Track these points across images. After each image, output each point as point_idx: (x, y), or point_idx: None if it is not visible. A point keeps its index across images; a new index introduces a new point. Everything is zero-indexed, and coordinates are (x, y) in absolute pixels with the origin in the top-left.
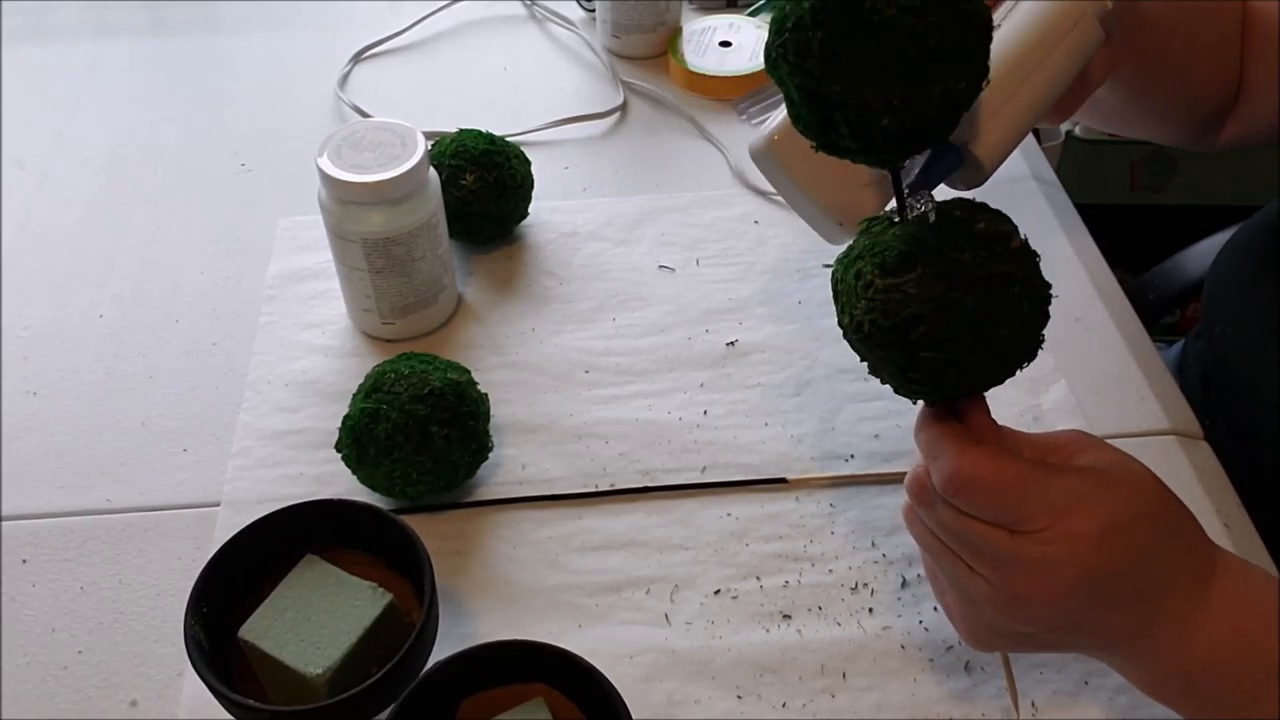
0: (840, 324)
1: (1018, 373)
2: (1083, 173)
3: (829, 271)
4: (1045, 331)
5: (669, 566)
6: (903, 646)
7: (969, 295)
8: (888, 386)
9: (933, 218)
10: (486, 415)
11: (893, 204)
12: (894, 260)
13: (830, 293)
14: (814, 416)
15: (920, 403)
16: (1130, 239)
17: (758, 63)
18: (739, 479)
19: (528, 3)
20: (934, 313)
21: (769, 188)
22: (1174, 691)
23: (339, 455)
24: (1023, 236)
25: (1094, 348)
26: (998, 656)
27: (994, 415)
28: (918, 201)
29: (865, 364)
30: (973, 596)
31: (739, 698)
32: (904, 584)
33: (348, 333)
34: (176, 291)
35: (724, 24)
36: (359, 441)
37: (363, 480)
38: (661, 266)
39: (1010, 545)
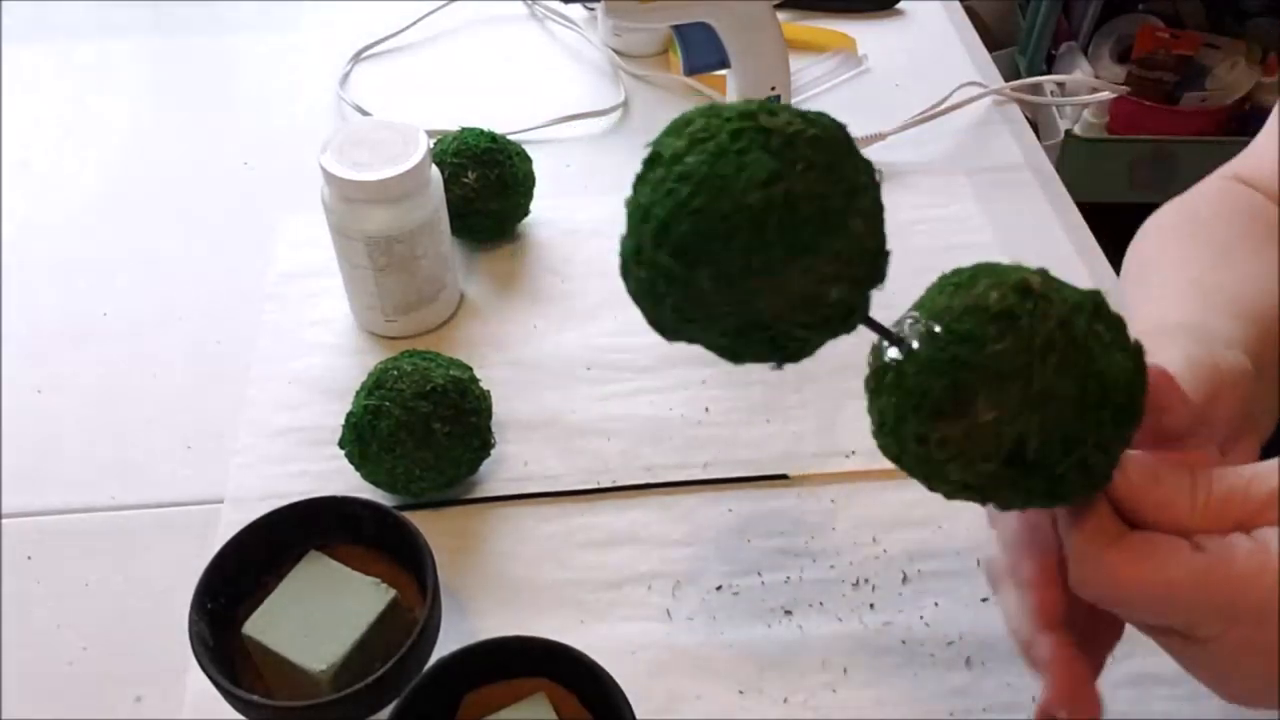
0: (938, 490)
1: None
2: (1083, 171)
3: None
4: None
5: (671, 562)
6: (904, 642)
7: (1044, 371)
8: None
9: (923, 327)
10: (489, 412)
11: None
12: (943, 396)
13: None
14: (815, 413)
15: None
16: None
17: None
18: (740, 475)
19: (529, 1)
20: (1031, 418)
21: None
22: None
23: (342, 452)
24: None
25: None
26: (997, 651)
27: None
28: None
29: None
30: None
31: (740, 693)
32: (905, 579)
33: (350, 330)
34: (180, 289)
35: None
36: (362, 438)
37: (365, 477)
38: None
39: (1184, 650)
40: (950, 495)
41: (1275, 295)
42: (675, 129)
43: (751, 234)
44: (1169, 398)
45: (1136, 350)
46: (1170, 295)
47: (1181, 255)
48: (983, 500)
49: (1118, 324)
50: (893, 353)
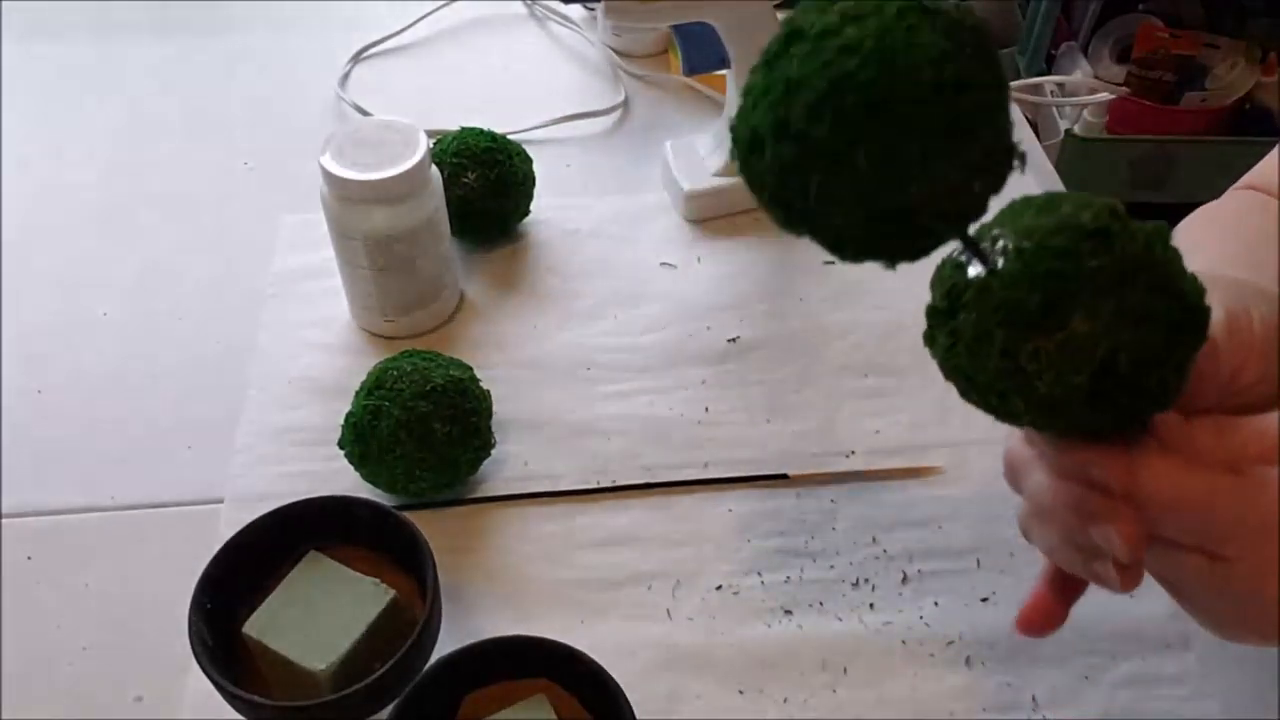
0: (1000, 413)
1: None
2: (1082, 171)
3: (830, 268)
4: None
5: (671, 562)
6: (903, 642)
7: (1137, 287)
8: (890, 383)
9: (1012, 244)
10: (489, 412)
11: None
12: (1038, 310)
13: (833, 289)
14: (815, 412)
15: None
16: None
17: None
18: (740, 475)
19: (529, 1)
20: (1126, 333)
21: None
22: None
23: (342, 452)
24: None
25: None
26: (997, 651)
27: None
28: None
29: (1022, 424)
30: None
31: (740, 693)
32: (905, 579)
33: (350, 330)
34: (179, 289)
35: None
36: (362, 438)
37: (365, 477)
38: (663, 264)
39: (1207, 574)
40: (1018, 415)
41: None
42: (818, 7)
43: (919, 112)
44: (1205, 370)
45: (1195, 277)
46: (1206, 268)
47: (1213, 244)
48: (1050, 420)
49: (1180, 254)
50: (974, 270)
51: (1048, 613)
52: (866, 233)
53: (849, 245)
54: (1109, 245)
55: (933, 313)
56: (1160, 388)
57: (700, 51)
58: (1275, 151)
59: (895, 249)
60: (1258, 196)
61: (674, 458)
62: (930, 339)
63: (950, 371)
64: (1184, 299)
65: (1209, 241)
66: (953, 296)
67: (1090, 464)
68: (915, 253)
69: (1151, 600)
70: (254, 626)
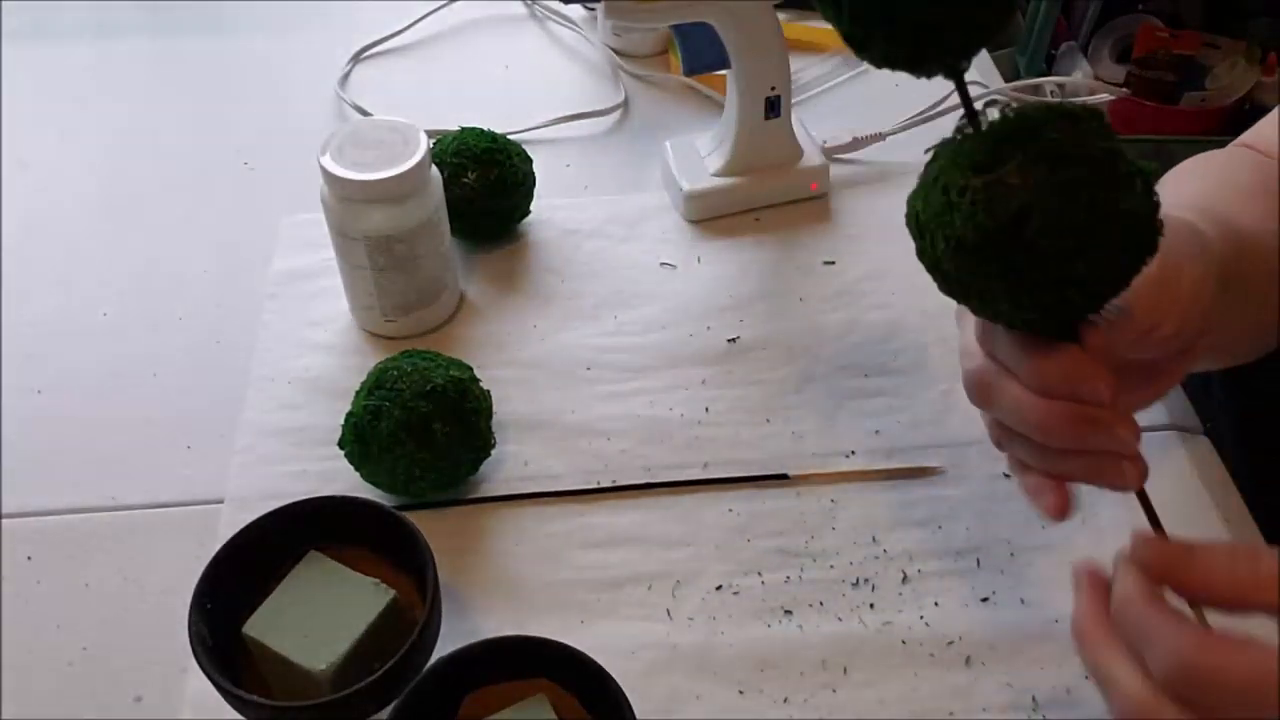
0: (929, 257)
1: (1140, 269)
2: None
3: (830, 268)
4: None
5: (671, 562)
6: (904, 642)
7: (1078, 170)
8: (890, 383)
9: (1008, 110)
10: (489, 412)
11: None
12: (986, 157)
13: (833, 290)
14: (815, 413)
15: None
16: None
17: None
18: (740, 475)
19: (529, 1)
20: (1046, 197)
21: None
22: None
23: (342, 452)
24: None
25: None
26: (997, 651)
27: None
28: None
29: (968, 303)
30: None
31: (740, 693)
32: (905, 579)
33: (350, 330)
34: (180, 289)
35: None
36: (362, 438)
37: (365, 477)
38: (663, 264)
39: None
40: (939, 261)
41: (1260, 221)
42: None
43: None
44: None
45: (1156, 208)
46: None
47: (1191, 184)
48: (961, 267)
49: (1155, 196)
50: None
51: (1065, 496)
52: (871, 10)
53: (857, 23)
54: (1075, 129)
55: (922, 176)
56: (1073, 277)
57: (700, 52)
58: (1275, 112)
59: (895, 46)
60: (1250, 153)
61: (674, 458)
62: (909, 201)
63: (909, 218)
64: (1120, 208)
65: (1188, 181)
66: (938, 147)
67: (1079, 380)
68: (913, 62)
69: None
70: (254, 626)
